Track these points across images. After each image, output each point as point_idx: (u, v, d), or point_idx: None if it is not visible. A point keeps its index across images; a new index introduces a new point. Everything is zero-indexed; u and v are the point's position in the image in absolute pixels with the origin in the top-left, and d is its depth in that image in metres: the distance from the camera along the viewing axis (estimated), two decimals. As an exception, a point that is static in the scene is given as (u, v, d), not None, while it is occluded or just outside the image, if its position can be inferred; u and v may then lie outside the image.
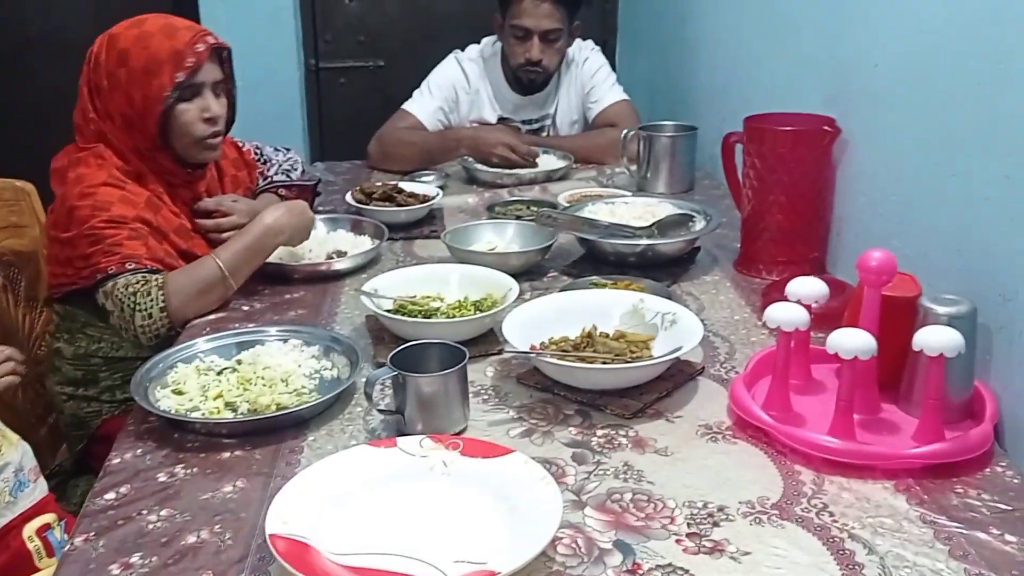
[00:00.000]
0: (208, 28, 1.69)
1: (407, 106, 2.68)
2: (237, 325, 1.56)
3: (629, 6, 3.70)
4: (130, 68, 1.62)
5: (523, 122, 2.74)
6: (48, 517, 1.30)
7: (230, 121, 1.80)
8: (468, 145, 2.53)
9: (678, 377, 1.35)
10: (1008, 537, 0.99)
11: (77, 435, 1.72)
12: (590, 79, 2.74)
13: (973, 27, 1.28)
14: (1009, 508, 1.05)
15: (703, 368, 1.39)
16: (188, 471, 1.16)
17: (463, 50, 2.75)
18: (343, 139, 3.61)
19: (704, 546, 0.99)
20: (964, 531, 1.01)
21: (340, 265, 1.82)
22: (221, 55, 1.71)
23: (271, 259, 1.73)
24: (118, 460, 1.18)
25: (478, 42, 2.76)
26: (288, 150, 2.14)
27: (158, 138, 1.66)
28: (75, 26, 3.37)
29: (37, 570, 1.27)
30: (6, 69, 3.51)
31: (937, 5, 1.37)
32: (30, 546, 1.26)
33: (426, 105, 2.67)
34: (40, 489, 1.32)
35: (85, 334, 1.68)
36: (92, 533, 1.03)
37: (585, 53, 2.76)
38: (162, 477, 1.14)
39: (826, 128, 1.70)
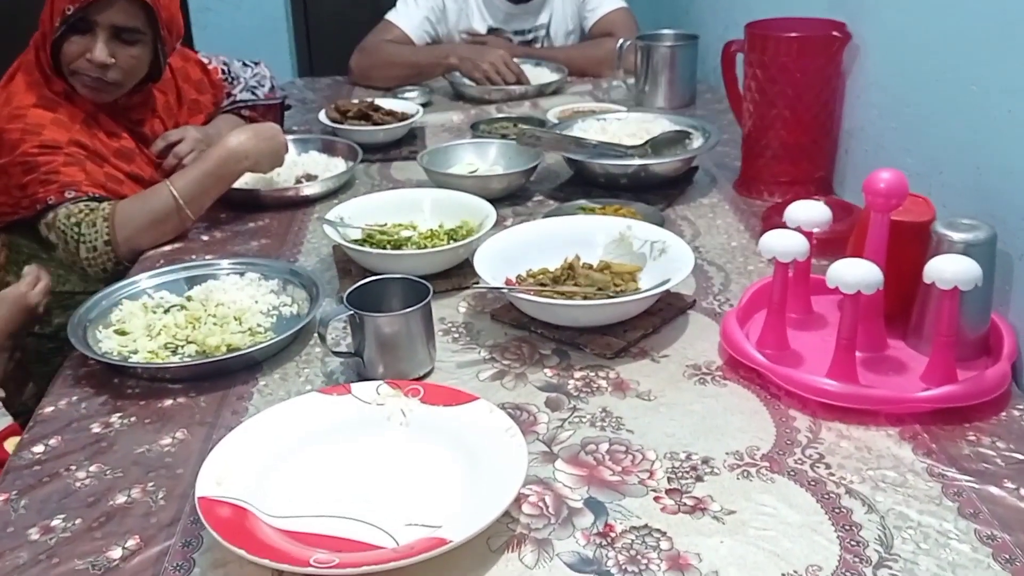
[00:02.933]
0: None
1: (391, 16, 2.52)
2: (195, 256, 1.45)
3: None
4: None
5: (515, 32, 2.58)
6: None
7: (148, 75, 1.60)
8: (459, 56, 2.37)
9: (666, 312, 1.24)
10: (1024, 492, 0.89)
11: (42, 371, 1.64)
12: (586, -15, 2.57)
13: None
14: (1026, 458, 0.94)
15: (694, 301, 1.28)
16: (125, 421, 1.06)
17: (451, -45, 2.57)
18: (331, 53, 3.46)
19: (685, 504, 0.90)
20: (976, 485, 0.90)
21: (309, 190, 1.70)
22: (154, 5, 1.50)
23: (236, 183, 1.60)
24: (50, 408, 1.09)
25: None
26: (257, 64, 1.99)
27: (52, 62, 1.51)
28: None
29: None
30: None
31: None
32: None
33: (411, 15, 2.51)
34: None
35: (30, 267, 1.57)
36: (14, 492, 0.94)
37: (581, -43, 2.58)
38: (96, 428, 1.05)
39: (835, 34, 1.55)
